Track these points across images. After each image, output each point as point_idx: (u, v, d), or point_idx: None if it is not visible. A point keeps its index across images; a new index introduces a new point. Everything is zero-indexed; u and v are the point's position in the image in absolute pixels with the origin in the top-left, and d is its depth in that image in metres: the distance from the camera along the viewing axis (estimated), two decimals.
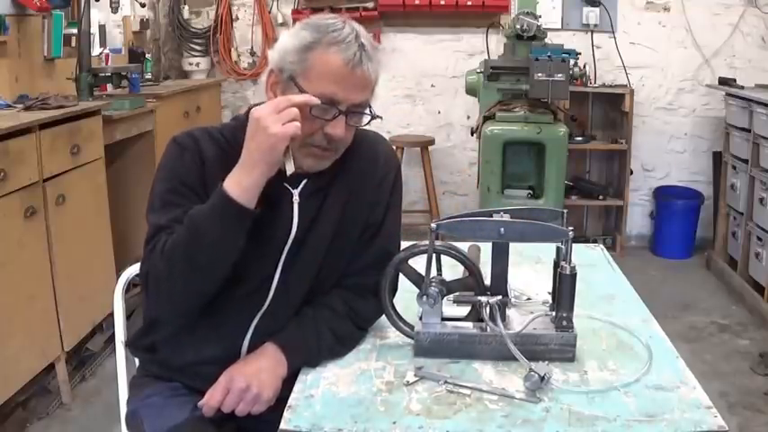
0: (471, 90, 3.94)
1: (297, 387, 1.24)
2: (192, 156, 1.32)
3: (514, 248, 1.33)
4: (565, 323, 1.29)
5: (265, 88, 1.34)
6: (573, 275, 1.28)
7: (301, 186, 1.36)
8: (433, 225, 1.29)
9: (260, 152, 1.20)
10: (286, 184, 1.35)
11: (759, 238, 3.55)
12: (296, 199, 1.35)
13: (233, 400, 1.28)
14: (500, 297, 1.30)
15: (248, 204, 1.22)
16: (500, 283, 1.32)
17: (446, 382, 1.22)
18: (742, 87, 3.94)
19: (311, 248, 1.37)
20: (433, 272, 1.32)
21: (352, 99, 1.28)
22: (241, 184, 1.22)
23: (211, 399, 1.28)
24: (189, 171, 1.32)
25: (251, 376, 1.29)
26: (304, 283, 1.38)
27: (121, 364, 1.55)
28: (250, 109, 1.33)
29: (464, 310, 1.36)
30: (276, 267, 1.36)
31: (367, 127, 1.38)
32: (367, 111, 1.33)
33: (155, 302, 1.32)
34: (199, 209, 1.24)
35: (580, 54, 3.80)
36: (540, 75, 3.54)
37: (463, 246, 1.43)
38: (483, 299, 1.30)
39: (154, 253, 1.25)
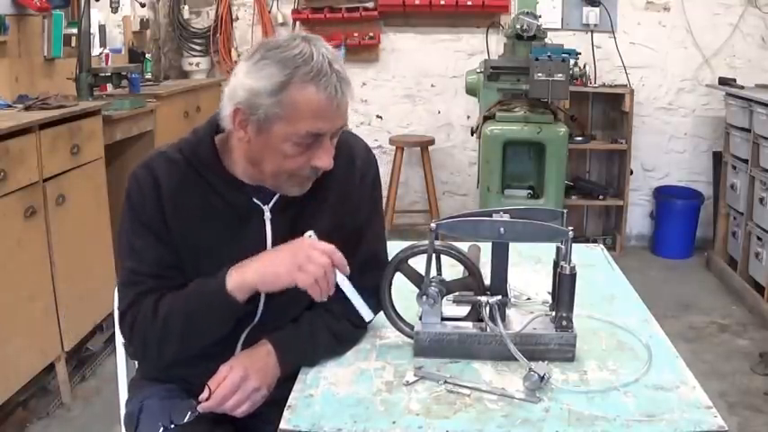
0: (471, 90, 3.94)
1: (297, 387, 1.23)
2: (150, 192, 1.31)
3: (514, 248, 1.33)
4: (565, 323, 1.29)
5: (232, 124, 1.26)
6: (573, 275, 1.28)
7: (273, 201, 1.34)
8: (433, 225, 1.29)
9: (285, 267, 1.23)
10: (256, 200, 1.33)
11: (759, 238, 3.55)
12: (267, 216, 1.34)
13: (243, 401, 1.28)
14: (500, 297, 1.30)
15: (241, 299, 1.26)
16: (500, 283, 1.32)
17: (446, 382, 1.22)
18: (742, 87, 3.94)
19: None
20: (433, 272, 1.32)
21: (337, 126, 1.27)
22: (245, 282, 1.25)
23: (220, 398, 1.27)
24: (148, 210, 1.31)
25: (260, 375, 1.29)
26: (294, 298, 1.35)
27: (121, 364, 1.55)
28: (211, 121, 1.33)
29: (464, 310, 1.36)
30: None
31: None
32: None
33: (141, 352, 1.40)
34: (198, 293, 1.28)
35: (580, 54, 3.79)
36: (540, 75, 3.54)
37: (463, 246, 1.43)
38: (483, 299, 1.30)
39: (143, 311, 1.29)
